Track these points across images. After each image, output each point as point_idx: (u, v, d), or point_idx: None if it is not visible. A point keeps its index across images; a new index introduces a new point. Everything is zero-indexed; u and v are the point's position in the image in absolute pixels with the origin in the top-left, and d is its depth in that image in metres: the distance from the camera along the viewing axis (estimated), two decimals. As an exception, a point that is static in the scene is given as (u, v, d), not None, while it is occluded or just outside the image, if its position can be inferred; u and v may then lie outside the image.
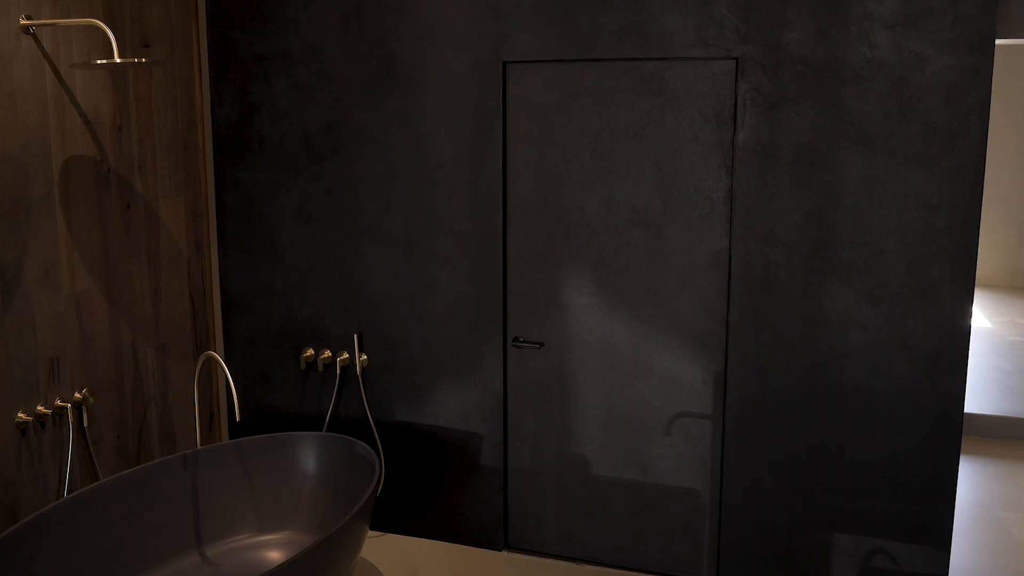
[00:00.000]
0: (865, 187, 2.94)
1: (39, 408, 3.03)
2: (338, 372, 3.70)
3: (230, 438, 4.00)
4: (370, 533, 3.77)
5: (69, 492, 3.14)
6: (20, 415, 2.97)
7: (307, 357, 3.77)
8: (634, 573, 3.50)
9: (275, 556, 3.39)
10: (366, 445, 3.38)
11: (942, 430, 2.97)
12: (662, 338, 3.29)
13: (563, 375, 3.43)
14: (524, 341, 3.40)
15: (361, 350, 3.68)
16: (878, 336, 2.99)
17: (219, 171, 3.77)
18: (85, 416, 3.19)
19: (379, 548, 3.67)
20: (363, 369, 3.69)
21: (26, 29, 2.89)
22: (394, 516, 3.76)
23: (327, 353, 3.74)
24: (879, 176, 2.92)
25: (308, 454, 3.50)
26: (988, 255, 8.80)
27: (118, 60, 2.75)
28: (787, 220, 3.04)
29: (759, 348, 3.13)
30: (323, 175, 3.61)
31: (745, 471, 3.23)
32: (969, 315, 2.90)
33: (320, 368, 3.74)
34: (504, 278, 3.43)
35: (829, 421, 3.09)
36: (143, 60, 2.77)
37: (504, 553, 3.63)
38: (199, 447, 3.39)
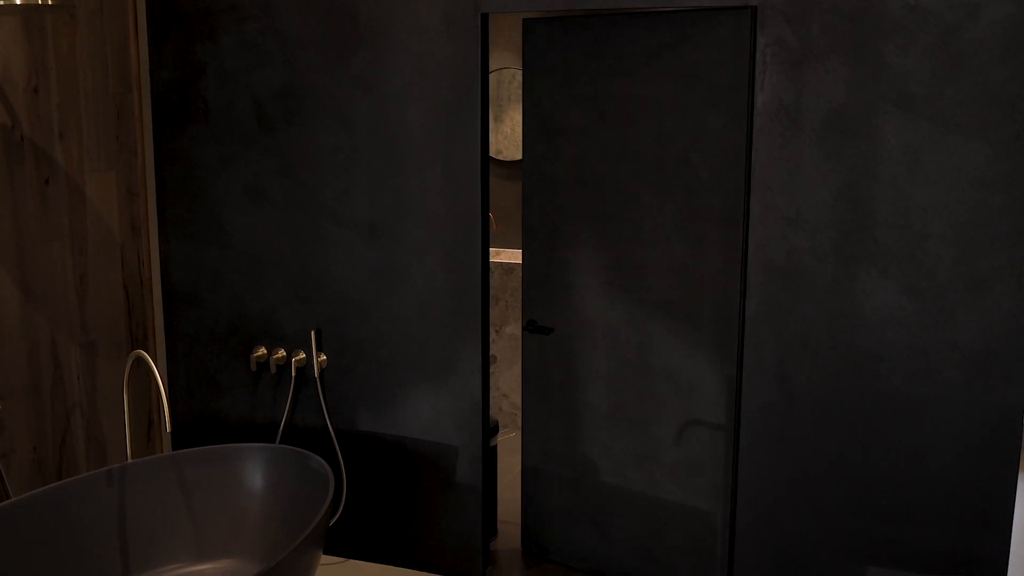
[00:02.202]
0: (907, 159, 2.59)
1: (-70, 416, 2.67)
2: (293, 374, 3.37)
3: (173, 449, 3.65)
4: (329, 559, 3.45)
5: (-32, 515, 2.78)
6: (-95, 425, 2.60)
7: (258, 357, 3.43)
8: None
9: (215, 588, 3.05)
10: (321, 460, 3.03)
11: (996, 446, 2.63)
12: (669, 333, 2.96)
13: (570, 365, 3.12)
14: (537, 326, 3.22)
15: (319, 349, 3.35)
16: (921, 335, 2.64)
17: (158, 142, 3.44)
18: (-11, 425, 2.84)
19: (339, 577, 3.34)
20: (322, 371, 3.36)
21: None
22: (357, 540, 3.43)
23: (281, 352, 3.40)
24: (924, 146, 2.57)
25: (255, 469, 3.16)
26: None
27: (18, 1, 2.38)
28: (814, 198, 2.69)
29: (780, 349, 2.79)
30: (277, 147, 3.28)
31: (762, 491, 2.89)
32: (1029, 311, 2.55)
33: (273, 369, 3.40)
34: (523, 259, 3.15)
35: (861, 434, 2.75)
36: (52, 2, 2.39)
37: (483, 583, 3.30)
38: (129, 460, 3.06)
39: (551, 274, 3.23)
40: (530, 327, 3.25)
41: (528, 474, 3.45)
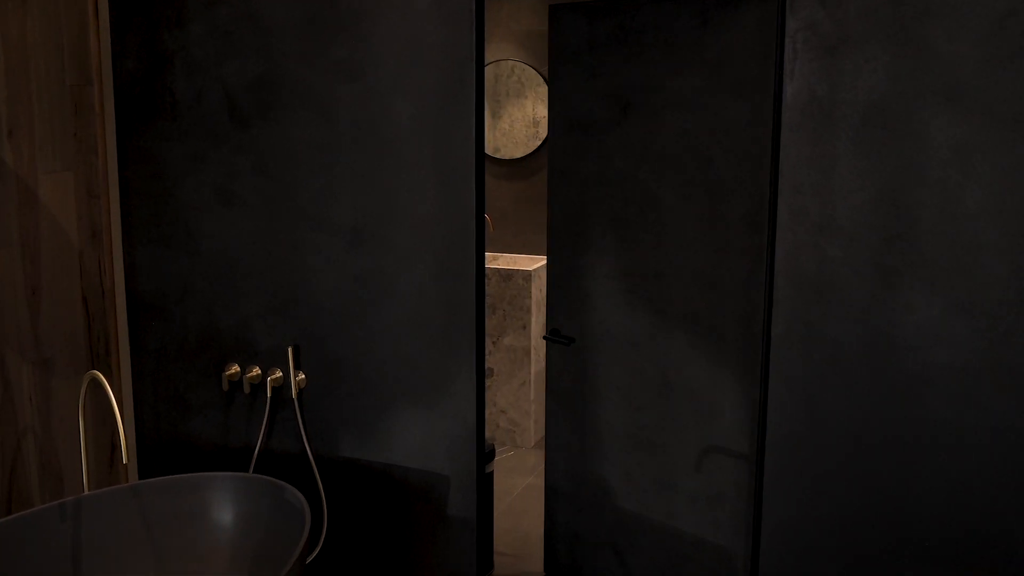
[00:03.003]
0: (958, 159, 2.32)
1: None
2: (269, 394, 3.12)
3: (140, 478, 3.40)
4: (309, 598, 3.19)
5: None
6: None
7: (231, 375, 3.18)
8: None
9: (178, 636, 2.79)
10: (297, 492, 2.77)
11: (1056, 483, 2.36)
12: (690, 349, 2.70)
13: (590, 378, 2.89)
14: (561, 336, 3.08)
15: (297, 367, 3.09)
16: (972, 359, 2.38)
17: (121, 139, 3.19)
18: (-77, 456, 2.57)
19: (319, 619, 3.10)
20: (300, 391, 3.11)
21: None
22: (339, 577, 3.17)
23: (256, 370, 3.15)
24: (976, 144, 2.30)
25: (225, 501, 2.91)
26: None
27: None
28: (850, 202, 2.43)
29: (810, 372, 2.53)
30: (250, 144, 3.03)
31: (789, 529, 2.63)
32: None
33: (247, 389, 3.15)
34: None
35: (902, 469, 2.49)
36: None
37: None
38: (86, 492, 2.81)
39: (573, 280, 3.03)
40: (552, 336, 3.03)
41: (551, 494, 3.26)
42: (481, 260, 2.89)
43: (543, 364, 5.18)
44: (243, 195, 3.07)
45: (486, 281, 5.00)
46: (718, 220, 2.66)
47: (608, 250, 2.92)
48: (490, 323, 5.03)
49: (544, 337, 3.05)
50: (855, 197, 2.44)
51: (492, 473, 3.41)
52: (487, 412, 5.15)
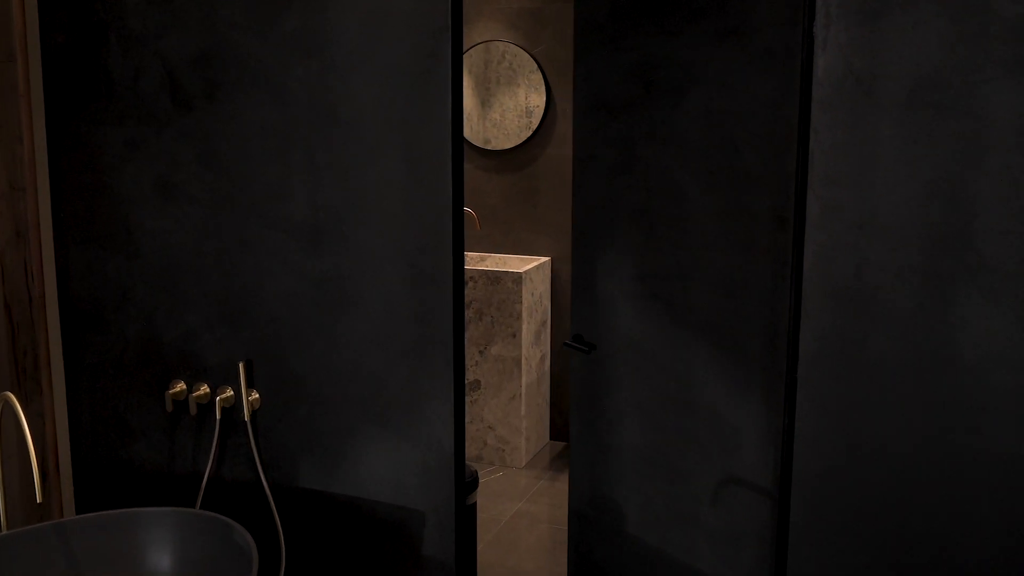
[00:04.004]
0: (1025, 143, 1.98)
1: None
2: (218, 416, 2.78)
3: (77, 511, 3.06)
4: (263, 650, 2.85)
5: None
6: None
7: (176, 394, 2.85)
8: None
9: None
10: (245, 533, 2.43)
11: None
12: (712, 364, 2.37)
13: (611, 392, 2.54)
14: (584, 342, 2.82)
15: (250, 385, 2.76)
16: (1041, 381, 2.03)
17: (51, 124, 2.86)
18: None
19: (273, 676, 2.76)
20: (253, 412, 2.78)
21: None
22: (299, 625, 2.84)
23: (203, 389, 2.82)
24: (1048, 125, 1.96)
25: (163, 541, 2.58)
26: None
27: None
28: (895, 196, 2.09)
29: (847, 395, 2.19)
30: (195, 130, 2.70)
31: (818, 580, 2.29)
32: None
33: (193, 410, 2.81)
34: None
35: (956, 510, 2.16)
36: None
37: None
38: (2, 530, 2.48)
39: (595, 281, 2.74)
40: (574, 343, 2.76)
41: (574, 519, 3.00)
42: (460, 263, 2.55)
43: (535, 375, 4.83)
44: (187, 188, 2.74)
45: (472, 284, 4.65)
46: (743, 214, 2.33)
47: (631, 247, 2.63)
48: (476, 330, 4.69)
49: (565, 344, 2.82)
50: (901, 189, 2.09)
51: (475, 504, 3.07)
52: (472, 429, 4.80)
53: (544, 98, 4.93)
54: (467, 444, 4.79)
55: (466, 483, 2.78)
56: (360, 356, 2.64)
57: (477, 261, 5.14)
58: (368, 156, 2.54)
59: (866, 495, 2.24)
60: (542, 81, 4.92)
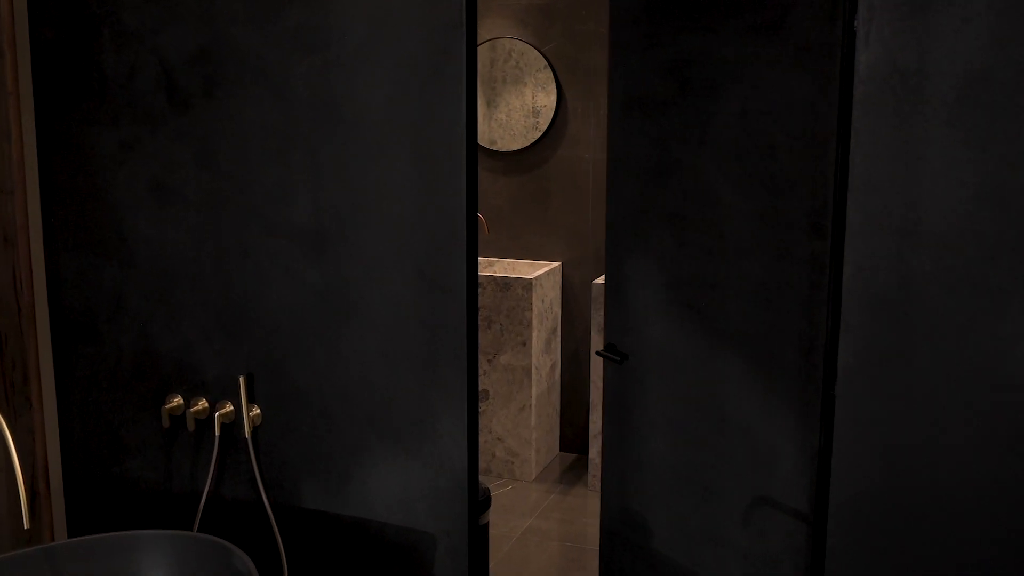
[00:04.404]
0: (1085, 144, 1.87)
1: None
2: (217, 432, 2.68)
3: (68, 533, 2.96)
4: None
5: None
6: None
7: (172, 409, 2.74)
8: None
9: None
10: (246, 558, 2.32)
11: None
12: (746, 377, 2.27)
13: (642, 404, 2.49)
14: (617, 351, 2.75)
15: (251, 400, 2.66)
16: (1102, 400, 1.92)
17: (41, 124, 2.75)
18: None
19: None
20: (255, 429, 2.68)
21: None
22: (302, 653, 2.73)
23: (202, 403, 2.72)
24: (1110, 125, 1.85)
25: (158, 567, 2.48)
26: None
27: None
28: (943, 201, 1.98)
29: (889, 415, 2.09)
30: (193, 130, 2.60)
31: (857, 611, 2.17)
32: None
33: (191, 426, 2.71)
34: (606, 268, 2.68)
35: (1005, 539, 2.05)
36: None
37: None
38: None
39: (628, 288, 2.67)
40: (607, 352, 2.69)
41: (605, 536, 2.91)
42: (473, 270, 2.44)
43: (545, 385, 4.72)
44: (185, 191, 2.63)
45: (481, 291, 4.53)
46: (778, 221, 2.22)
47: (664, 253, 2.56)
48: (485, 339, 4.57)
49: (598, 353, 2.77)
50: (950, 194, 1.98)
51: (488, 524, 2.96)
52: (480, 440, 4.69)
53: (554, 97, 4.82)
54: (475, 456, 4.68)
55: (478, 503, 2.66)
56: (367, 369, 2.53)
57: (485, 266, 5.03)
58: (375, 157, 2.43)
59: (907, 520, 2.12)
60: (551, 79, 4.80)
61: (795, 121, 2.15)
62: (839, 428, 2.12)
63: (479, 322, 4.57)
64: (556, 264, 4.89)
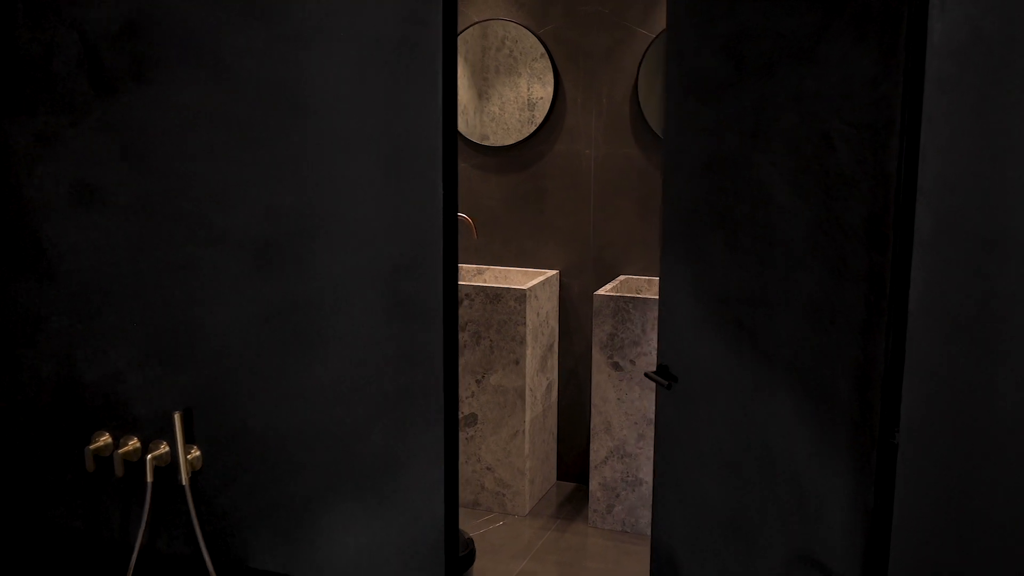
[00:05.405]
0: None
1: None
2: (149, 478, 2.39)
3: (-23, 583, 2.64)
4: None
5: None
6: None
7: (99, 448, 2.47)
8: None
9: None
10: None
11: None
12: (796, 415, 1.95)
13: (692, 436, 2.14)
14: (668, 374, 2.58)
15: (190, 440, 2.38)
16: None
17: None
18: None
19: None
20: (194, 473, 2.38)
21: None
22: None
23: (133, 443, 2.44)
24: None
25: None
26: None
27: None
28: (1036, 205, 1.64)
29: (965, 464, 1.76)
30: (120, 120, 2.30)
31: None
32: None
33: (120, 470, 2.40)
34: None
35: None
36: None
37: None
38: None
39: (677, 301, 2.43)
40: (656, 374, 2.50)
41: None
42: (452, 286, 2.12)
43: (540, 408, 4.39)
44: (110, 192, 2.34)
45: (468, 303, 4.20)
46: (832, 226, 1.90)
47: (714, 262, 2.31)
48: (473, 357, 4.24)
49: (646, 374, 2.61)
50: (1045, 196, 1.64)
51: (472, 578, 2.64)
52: (467, 470, 4.35)
53: (551, 87, 4.49)
54: (461, 489, 4.34)
55: (458, 559, 2.34)
56: (328, 406, 2.23)
57: (473, 275, 4.69)
58: (335, 150, 2.13)
59: (984, 597, 1.79)
60: (549, 68, 4.48)
61: (853, 104, 1.82)
62: (901, 487, 1.78)
63: (466, 338, 4.23)
64: (553, 272, 4.56)
